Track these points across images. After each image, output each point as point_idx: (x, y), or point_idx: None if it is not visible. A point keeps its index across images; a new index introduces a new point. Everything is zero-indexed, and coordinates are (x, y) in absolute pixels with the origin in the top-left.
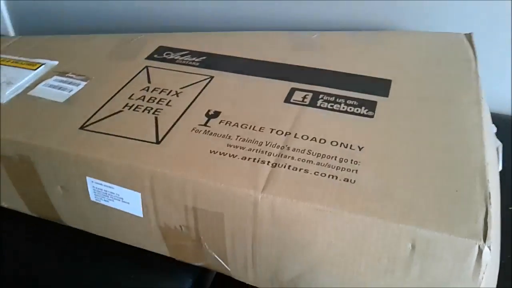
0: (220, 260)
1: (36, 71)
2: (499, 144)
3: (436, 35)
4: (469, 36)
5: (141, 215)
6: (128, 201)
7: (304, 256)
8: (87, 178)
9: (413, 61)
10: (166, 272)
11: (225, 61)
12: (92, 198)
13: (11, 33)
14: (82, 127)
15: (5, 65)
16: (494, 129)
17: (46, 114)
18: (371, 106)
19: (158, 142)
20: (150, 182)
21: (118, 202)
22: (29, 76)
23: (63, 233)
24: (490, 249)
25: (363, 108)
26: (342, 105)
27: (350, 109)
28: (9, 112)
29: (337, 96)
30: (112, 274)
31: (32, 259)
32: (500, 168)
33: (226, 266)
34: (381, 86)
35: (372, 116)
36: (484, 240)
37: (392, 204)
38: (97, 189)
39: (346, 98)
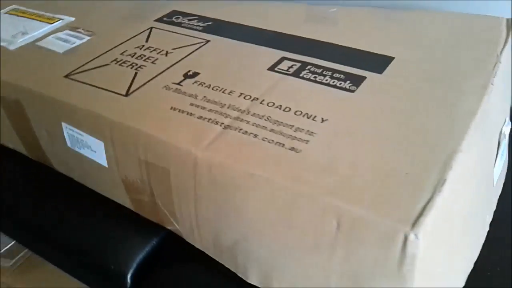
0: (171, 219)
1: (53, 25)
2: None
3: (468, 17)
4: (510, 21)
5: (106, 165)
6: (95, 150)
7: (238, 222)
8: (62, 123)
9: (429, 41)
10: (133, 227)
11: (229, 28)
12: (68, 144)
13: None
14: (67, 76)
15: (28, 17)
16: (508, 124)
17: (42, 61)
18: (357, 81)
19: (126, 95)
20: (110, 132)
21: (88, 150)
22: (44, 28)
23: (54, 177)
24: (418, 238)
25: (347, 82)
26: (327, 77)
27: (333, 82)
28: (14, 58)
29: (325, 69)
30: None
31: (17, 199)
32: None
33: (177, 226)
34: (379, 63)
35: (353, 91)
36: (412, 227)
37: (329, 178)
38: (71, 135)
39: (334, 71)
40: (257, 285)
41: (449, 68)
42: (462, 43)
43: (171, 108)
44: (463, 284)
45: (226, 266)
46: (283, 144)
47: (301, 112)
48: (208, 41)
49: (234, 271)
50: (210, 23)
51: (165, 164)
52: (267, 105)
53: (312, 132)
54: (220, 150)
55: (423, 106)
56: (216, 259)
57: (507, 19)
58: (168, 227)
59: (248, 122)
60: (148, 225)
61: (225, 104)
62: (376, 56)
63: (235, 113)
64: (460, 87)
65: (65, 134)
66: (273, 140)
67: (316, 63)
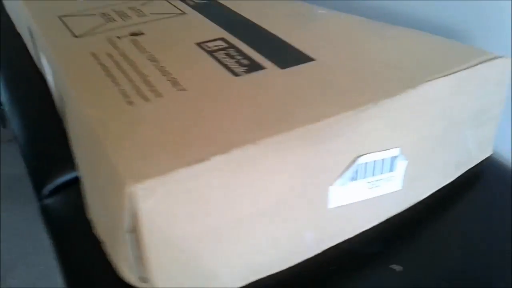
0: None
1: None
2: None
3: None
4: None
5: (54, 91)
6: (50, 77)
7: (78, 152)
8: (40, 53)
9: (376, 56)
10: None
11: (213, 8)
12: (46, 71)
13: None
14: (60, 16)
15: None
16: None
17: (59, 3)
18: (254, 69)
19: (76, 36)
20: (52, 63)
21: (49, 77)
22: None
23: None
24: (136, 194)
25: (244, 68)
26: (233, 60)
27: (232, 65)
28: None
29: (241, 54)
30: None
31: None
32: None
33: None
34: (292, 60)
35: (238, 75)
36: (135, 183)
37: (126, 131)
38: (44, 63)
39: (246, 57)
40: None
41: (356, 81)
42: (404, 63)
43: (91, 54)
44: (235, 283)
45: None
46: (128, 97)
47: (173, 79)
48: (184, 13)
49: None
50: (205, 1)
51: (63, 93)
52: (156, 67)
53: (161, 94)
54: (84, 88)
55: (274, 102)
56: None
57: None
58: None
59: (127, 75)
60: None
61: (128, 58)
62: (300, 55)
63: (126, 66)
64: (335, 99)
65: (42, 61)
66: (125, 93)
67: (241, 48)
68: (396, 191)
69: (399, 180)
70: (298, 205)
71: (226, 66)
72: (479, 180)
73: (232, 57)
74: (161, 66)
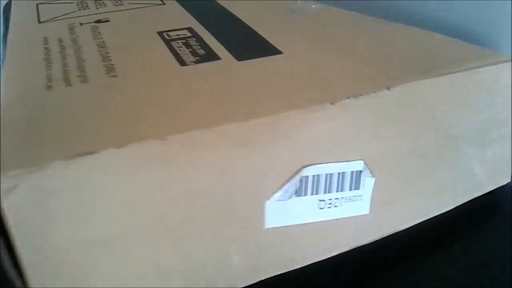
0: None
1: None
2: None
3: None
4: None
5: None
6: None
7: None
8: None
9: (354, 51)
10: None
11: (199, 3)
12: None
13: None
14: (39, 3)
15: None
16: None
17: None
18: (207, 59)
19: (40, 22)
20: None
21: None
22: None
23: None
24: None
25: (196, 58)
26: (188, 50)
27: (185, 54)
28: None
29: (201, 44)
30: None
31: None
32: None
33: None
34: (256, 53)
35: (186, 64)
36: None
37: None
38: None
39: (204, 47)
40: None
41: (321, 79)
42: (387, 61)
43: (43, 37)
44: None
45: None
46: (51, 81)
47: (111, 66)
48: (163, 4)
49: None
50: None
51: None
52: (101, 53)
53: (88, 80)
54: (18, 68)
55: (213, 96)
56: None
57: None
58: None
59: (64, 59)
60: None
61: (76, 44)
62: (268, 48)
63: (70, 51)
64: (287, 97)
65: None
66: (51, 76)
67: (204, 39)
68: (362, 216)
69: (366, 202)
70: (225, 220)
71: (176, 55)
72: (490, 213)
73: (189, 46)
74: (106, 53)
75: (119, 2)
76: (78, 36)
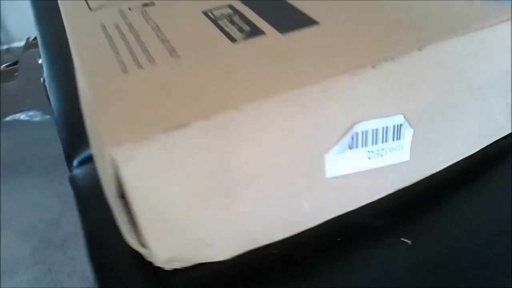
0: None
1: None
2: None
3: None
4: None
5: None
6: None
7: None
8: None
9: (387, 19)
10: None
11: None
12: None
13: None
14: (91, 8)
15: None
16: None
17: None
18: (253, 35)
19: (91, 9)
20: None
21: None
22: None
23: None
24: (116, 159)
25: (244, 34)
26: (234, 27)
27: (233, 31)
28: None
29: (245, 21)
30: None
31: None
32: None
33: None
34: (295, 25)
35: (236, 41)
36: (116, 148)
37: (116, 100)
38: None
39: (249, 23)
40: None
41: (357, 44)
42: (413, 23)
43: (100, 25)
44: (228, 251)
45: None
46: (124, 65)
47: (171, 47)
48: None
49: None
50: None
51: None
52: (158, 35)
53: (156, 62)
54: (88, 58)
55: (272, 67)
56: None
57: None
58: None
59: (128, 44)
60: None
61: (133, 29)
62: (304, 19)
63: (130, 36)
64: (334, 62)
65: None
66: (122, 61)
67: (246, 15)
68: (403, 163)
69: (406, 151)
70: (292, 173)
71: (226, 33)
72: (507, 154)
73: (234, 23)
74: (163, 35)
75: None
76: (132, 21)
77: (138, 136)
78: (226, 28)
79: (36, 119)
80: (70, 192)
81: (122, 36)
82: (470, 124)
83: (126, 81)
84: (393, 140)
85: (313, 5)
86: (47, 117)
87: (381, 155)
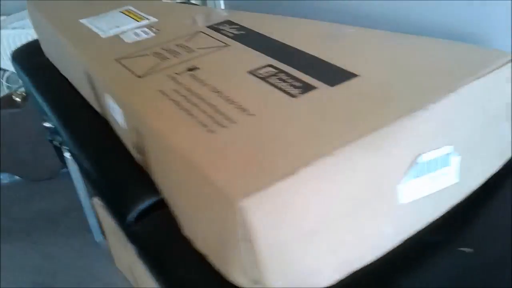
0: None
1: (139, 22)
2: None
3: (473, 49)
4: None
5: (126, 127)
6: (119, 116)
7: (167, 181)
8: (105, 94)
9: (410, 66)
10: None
11: (251, 37)
12: (110, 110)
13: None
14: (117, 59)
15: (129, 16)
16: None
17: (112, 48)
18: (307, 89)
19: (139, 76)
20: (121, 102)
21: (117, 116)
22: (132, 25)
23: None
24: (244, 209)
25: (299, 89)
26: (287, 84)
27: (287, 88)
28: (99, 42)
29: (292, 77)
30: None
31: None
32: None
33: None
34: (339, 78)
35: (295, 97)
36: (242, 199)
37: (217, 154)
38: (109, 104)
39: (297, 79)
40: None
41: (401, 90)
42: (438, 69)
43: (159, 91)
44: (331, 279)
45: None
46: (207, 126)
47: (241, 107)
48: (227, 45)
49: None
50: (243, 32)
51: (142, 130)
52: (222, 97)
53: (235, 121)
54: (164, 124)
55: (337, 116)
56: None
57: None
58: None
59: (199, 107)
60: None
61: (194, 93)
62: (344, 72)
63: (195, 100)
64: (390, 107)
65: (106, 102)
66: (203, 123)
67: (289, 72)
68: (453, 184)
69: (455, 174)
70: (374, 204)
71: (282, 90)
72: None
73: (284, 80)
74: (226, 96)
75: (189, 49)
76: (188, 85)
77: (261, 186)
78: (279, 85)
79: (5, 181)
80: (57, 253)
81: (186, 99)
82: (493, 147)
83: (218, 140)
84: (445, 166)
85: (344, 59)
86: (16, 178)
87: (438, 180)
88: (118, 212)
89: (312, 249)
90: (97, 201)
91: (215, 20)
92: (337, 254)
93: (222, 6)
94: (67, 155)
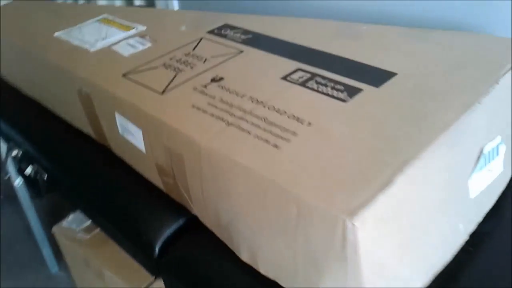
0: (188, 200)
1: (128, 32)
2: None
3: (488, 38)
4: None
5: (144, 151)
6: (137, 137)
7: (229, 203)
8: (116, 113)
9: (439, 59)
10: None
11: (263, 40)
12: (120, 131)
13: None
14: (124, 75)
15: (111, 25)
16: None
17: (110, 62)
18: (353, 92)
19: (162, 93)
20: (145, 122)
21: (132, 137)
22: (121, 35)
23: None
24: (356, 226)
25: (344, 93)
26: (328, 88)
27: (332, 92)
28: (91, 58)
29: (329, 80)
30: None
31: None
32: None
33: (193, 206)
34: (380, 78)
35: (345, 101)
36: (351, 216)
37: (296, 171)
38: (121, 124)
39: (337, 82)
40: (247, 262)
41: (446, 85)
42: (470, 62)
43: (192, 106)
44: (422, 284)
45: (226, 243)
46: (269, 141)
47: (294, 116)
48: (241, 51)
49: (231, 248)
50: (250, 36)
51: (181, 150)
52: (267, 108)
53: (295, 133)
54: (219, 142)
55: (401, 117)
56: (220, 237)
57: None
58: (188, 208)
59: (247, 121)
60: (177, 206)
61: (234, 105)
62: (381, 71)
63: (239, 113)
64: (447, 103)
65: (117, 122)
66: (262, 137)
67: (324, 75)
68: (500, 173)
69: (502, 163)
70: (452, 202)
71: (327, 94)
72: None
73: (323, 84)
74: (271, 106)
75: (201, 58)
76: (220, 97)
77: (364, 200)
78: (321, 90)
79: None
80: None
81: (229, 113)
82: None
83: (289, 155)
84: (497, 156)
85: (374, 58)
86: None
87: (493, 171)
88: (141, 244)
89: (406, 258)
90: (59, 229)
91: (211, 24)
92: (426, 259)
93: (176, 7)
94: (16, 183)
